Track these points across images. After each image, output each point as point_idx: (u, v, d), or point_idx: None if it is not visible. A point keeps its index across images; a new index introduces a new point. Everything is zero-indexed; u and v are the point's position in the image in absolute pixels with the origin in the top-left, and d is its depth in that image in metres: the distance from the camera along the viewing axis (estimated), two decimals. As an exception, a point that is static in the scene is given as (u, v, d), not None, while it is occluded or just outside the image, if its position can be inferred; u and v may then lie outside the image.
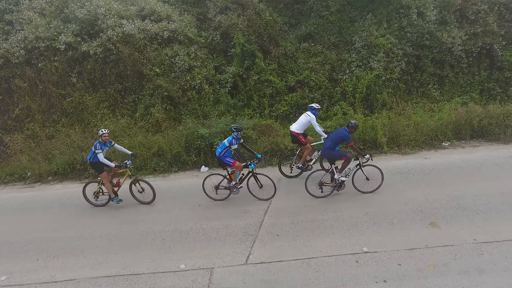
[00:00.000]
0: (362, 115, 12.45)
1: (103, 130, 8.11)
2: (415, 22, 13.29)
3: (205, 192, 8.08)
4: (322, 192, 7.85)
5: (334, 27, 14.81)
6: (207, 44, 13.60)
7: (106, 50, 12.23)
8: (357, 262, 5.47)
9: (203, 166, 10.03)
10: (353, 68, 13.49)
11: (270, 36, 14.28)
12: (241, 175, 8.04)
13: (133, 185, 8.34)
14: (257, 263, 5.60)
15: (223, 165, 8.04)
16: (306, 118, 9.04)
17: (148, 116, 11.76)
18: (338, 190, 7.92)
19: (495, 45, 13.03)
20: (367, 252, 5.70)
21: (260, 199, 8.01)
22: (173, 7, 15.13)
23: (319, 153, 9.17)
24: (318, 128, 8.99)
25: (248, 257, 5.81)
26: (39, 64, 12.25)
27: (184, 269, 5.62)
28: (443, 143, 10.55)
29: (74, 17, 12.76)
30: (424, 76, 13.45)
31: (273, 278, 5.25)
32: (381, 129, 10.54)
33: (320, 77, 13.52)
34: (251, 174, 7.98)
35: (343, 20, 14.88)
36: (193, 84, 12.48)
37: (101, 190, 8.42)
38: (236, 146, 7.75)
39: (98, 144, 7.94)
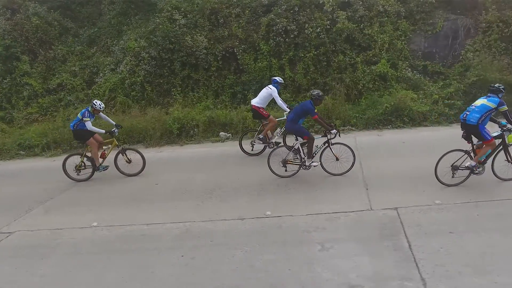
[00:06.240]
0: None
1: (99, 103, 8.03)
2: (161, 26, 13.49)
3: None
4: (286, 170, 7.37)
5: (113, 30, 15.17)
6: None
7: None
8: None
9: None
10: (107, 71, 13.84)
11: (42, 39, 14.75)
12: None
13: (119, 156, 8.12)
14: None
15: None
16: (267, 91, 8.87)
17: None
18: (305, 169, 7.36)
19: (235, 49, 13.13)
20: None
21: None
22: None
23: (282, 129, 9.06)
24: (280, 101, 8.75)
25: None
26: None
27: None
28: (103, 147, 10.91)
29: None
30: (177, 79, 13.62)
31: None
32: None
33: (79, 80, 13.94)
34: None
35: (122, 23, 15.22)
36: None
37: (83, 164, 8.12)
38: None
39: (86, 112, 7.84)
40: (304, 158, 7.35)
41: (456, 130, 9.50)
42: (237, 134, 10.98)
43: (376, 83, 12.14)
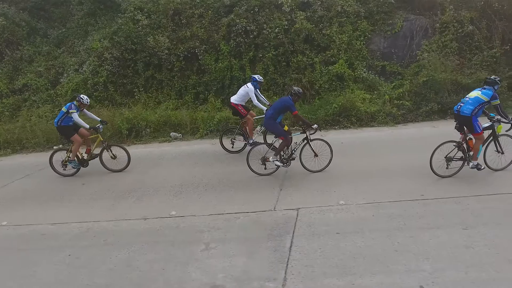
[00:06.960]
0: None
1: (86, 97, 8.22)
2: (123, 27, 13.52)
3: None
4: (265, 169, 7.24)
5: (81, 31, 15.25)
6: None
7: None
8: None
9: None
10: (71, 71, 13.90)
11: (9, 40, 14.87)
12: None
13: (104, 152, 8.20)
14: None
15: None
16: (244, 90, 8.80)
17: None
18: (285, 166, 7.21)
19: (196, 50, 13.13)
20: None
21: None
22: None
23: (262, 127, 9.02)
24: (256, 101, 8.63)
25: None
26: None
27: None
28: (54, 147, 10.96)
29: None
30: (141, 79, 13.64)
31: None
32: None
33: (43, 80, 14.01)
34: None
35: (89, 24, 15.30)
36: None
37: (69, 159, 8.22)
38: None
39: (73, 105, 7.95)
40: (283, 156, 7.18)
41: (400, 131, 9.53)
42: (187, 134, 10.97)
43: (333, 83, 12.05)
